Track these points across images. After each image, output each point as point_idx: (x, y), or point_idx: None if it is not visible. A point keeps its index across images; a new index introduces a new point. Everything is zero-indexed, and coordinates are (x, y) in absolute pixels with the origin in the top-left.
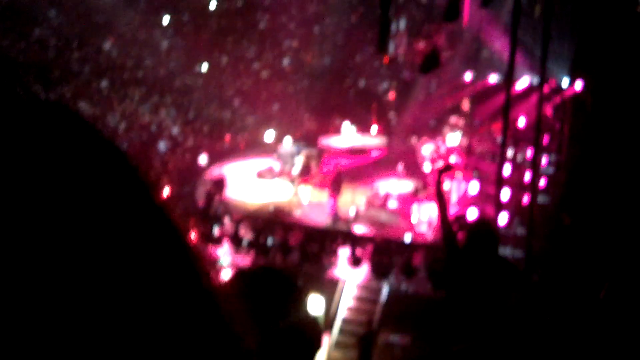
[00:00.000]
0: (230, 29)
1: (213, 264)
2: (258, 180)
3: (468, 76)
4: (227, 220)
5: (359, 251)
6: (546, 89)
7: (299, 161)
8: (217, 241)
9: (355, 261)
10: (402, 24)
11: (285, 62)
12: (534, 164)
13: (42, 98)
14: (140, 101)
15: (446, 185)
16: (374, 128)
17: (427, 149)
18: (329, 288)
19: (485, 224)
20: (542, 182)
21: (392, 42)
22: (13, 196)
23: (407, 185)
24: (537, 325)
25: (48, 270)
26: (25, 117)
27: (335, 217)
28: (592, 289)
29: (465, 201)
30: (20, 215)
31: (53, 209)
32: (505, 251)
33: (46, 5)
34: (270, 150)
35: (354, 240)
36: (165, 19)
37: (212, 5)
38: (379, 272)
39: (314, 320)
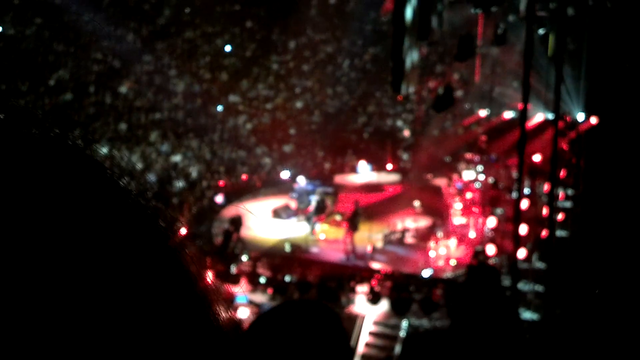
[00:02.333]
0: (246, 71)
1: (230, 303)
2: (274, 218)
3: (483, 112)
4: (244, 258)
5: (377, 287)
6: (561, 124)
7: (315, 199)
8: (235, 279)
9: (374, 297)
10: (416, 63)
11: (301, 102)
12: (551, 198)
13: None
14: (157, 142)
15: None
16: (389, 165)
17: (443, 185)
18: (348, 325)
19: (485, 266)
20: (560, 216)
21: (406, 81)
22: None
23: (424, 221)
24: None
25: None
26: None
27: (352, 253)
28: (611, 319)
29: (484, 237)
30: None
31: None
32: (525, 286)
33: (64, 50)
34: (286, 188)
35: (372, 277)
36: (181, 62)
37: (228, 48)
38: (398, 308)
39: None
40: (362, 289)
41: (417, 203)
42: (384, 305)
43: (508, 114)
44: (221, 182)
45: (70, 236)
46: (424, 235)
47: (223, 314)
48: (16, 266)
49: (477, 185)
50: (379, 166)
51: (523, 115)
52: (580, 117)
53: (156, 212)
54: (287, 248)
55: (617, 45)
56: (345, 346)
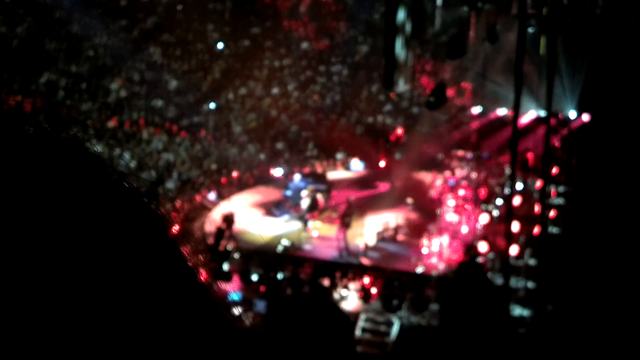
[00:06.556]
0: (238, 69)
1: (223, 300)
2: (267, 215)
3: (475, 110)
4: (236, 256)
5: (369, 284)
6: (553, 121)
7: (306, 196)
8: (227, 277)
9: (366, 295)
10: (408, 60)
11: (294, 99)
12: (543, 196)
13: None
14: (149, 140)
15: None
16: (382, 162)
17: (435, 182)
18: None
19: (473, 262)
20: (552, 213)
21: (398, 78)
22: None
23: (416, 218)
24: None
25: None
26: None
27: (345, 250)
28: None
29: (476, 234)
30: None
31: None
32: (517, 282)
33: (55, 48)
34: (279, 186)
35: (365, 274)
36: (174, 59)
37: (220, 46)
38: (390, 305)
39: None
40: (354, 286)
41: (409, 200)
42: (375, 302)
43: (500, 111)
44: (214, 180)
45: (74, 233)
46: (417, 233)
47: (232, 311)
48: (25, 261)
49: (469, 182)
50: (371, 163)
51: (515, 113)
52: (572, 114)
53: (156, 209)
54: (280, 246)
55: (609, 44)
56: (351, 338)
